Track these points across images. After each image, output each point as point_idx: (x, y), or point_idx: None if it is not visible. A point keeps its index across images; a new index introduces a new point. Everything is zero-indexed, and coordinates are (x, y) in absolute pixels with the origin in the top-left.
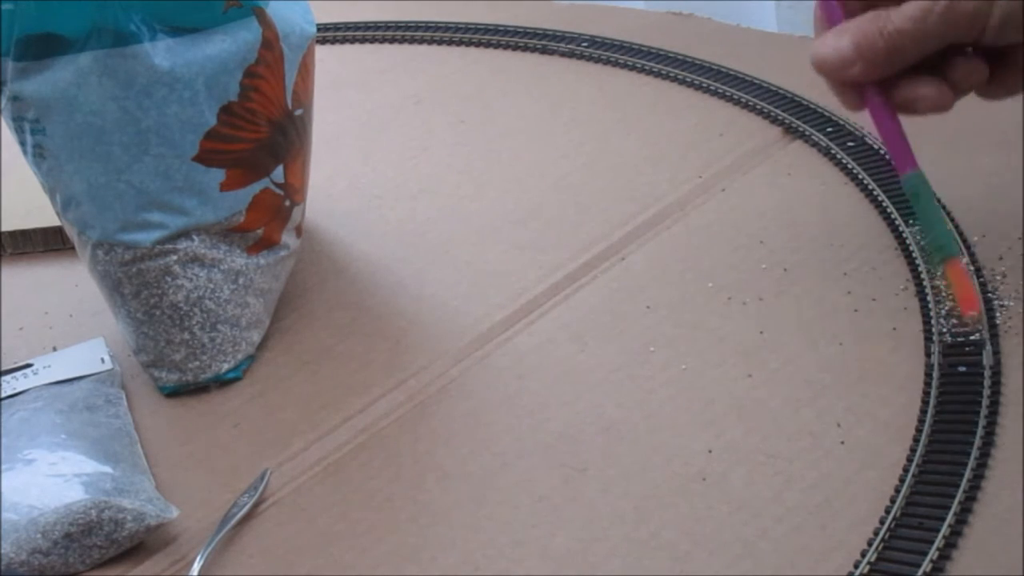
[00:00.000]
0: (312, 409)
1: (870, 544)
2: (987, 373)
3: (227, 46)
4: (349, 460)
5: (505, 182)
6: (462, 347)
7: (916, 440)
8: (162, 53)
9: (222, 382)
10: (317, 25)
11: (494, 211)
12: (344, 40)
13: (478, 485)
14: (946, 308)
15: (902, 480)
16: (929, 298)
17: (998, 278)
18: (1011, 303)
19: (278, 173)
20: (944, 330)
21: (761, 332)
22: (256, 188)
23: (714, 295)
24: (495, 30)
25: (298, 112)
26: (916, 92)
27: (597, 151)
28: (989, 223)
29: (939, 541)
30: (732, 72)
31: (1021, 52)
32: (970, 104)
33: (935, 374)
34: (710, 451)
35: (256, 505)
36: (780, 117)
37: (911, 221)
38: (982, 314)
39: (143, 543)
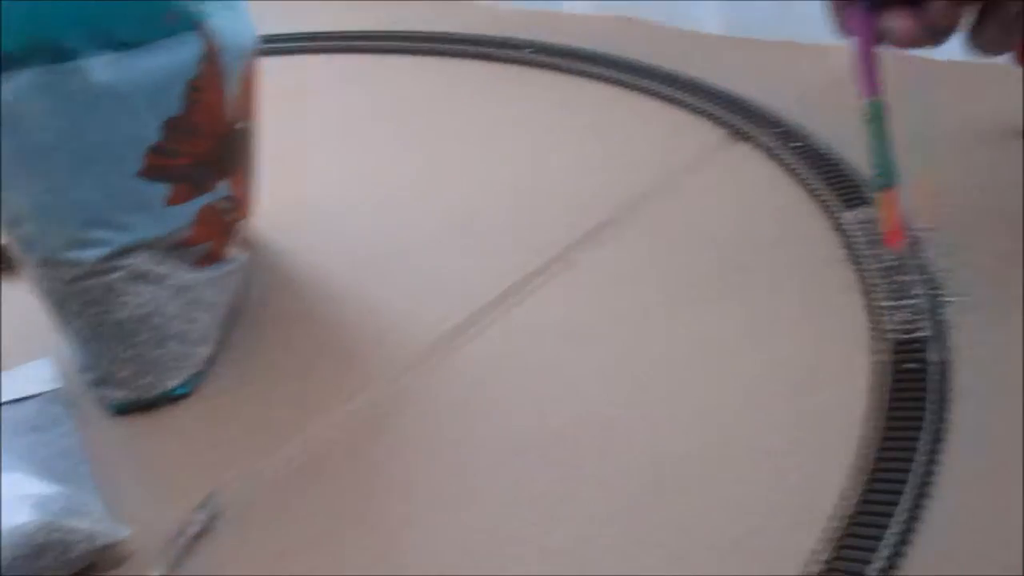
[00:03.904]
0: (264, 423)
1: (824, 543)
2: (935, 369)
3: (169, 60)
4: (303, 474)
5: (455, 189)
6: (414, 356)
7: (867, 438)
8: (103, 69)
9: (171, 399)
10: (263, 36)
11: (445, 218)
12: (291, 51)
13: (430, 497)
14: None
15: (854, 478)
16: (876, 295)
17: (944, 274)
18: (957, 299)
19: (223, 187)
20: (891, 328)
21: (712, 334)
22: (201, 202)
23: (664, 298)
24: (442, 38)
25: (242, 125)
26: (890, 22)
27: (546, 157)
28: (938, 219)
29: (890, 539)
30: (678, 76)
31: (1006, 6)
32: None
33: (884, 371)
34: (663, 456)
35: (208, 522)
36: (725, 119)
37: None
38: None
39: (94, 564)
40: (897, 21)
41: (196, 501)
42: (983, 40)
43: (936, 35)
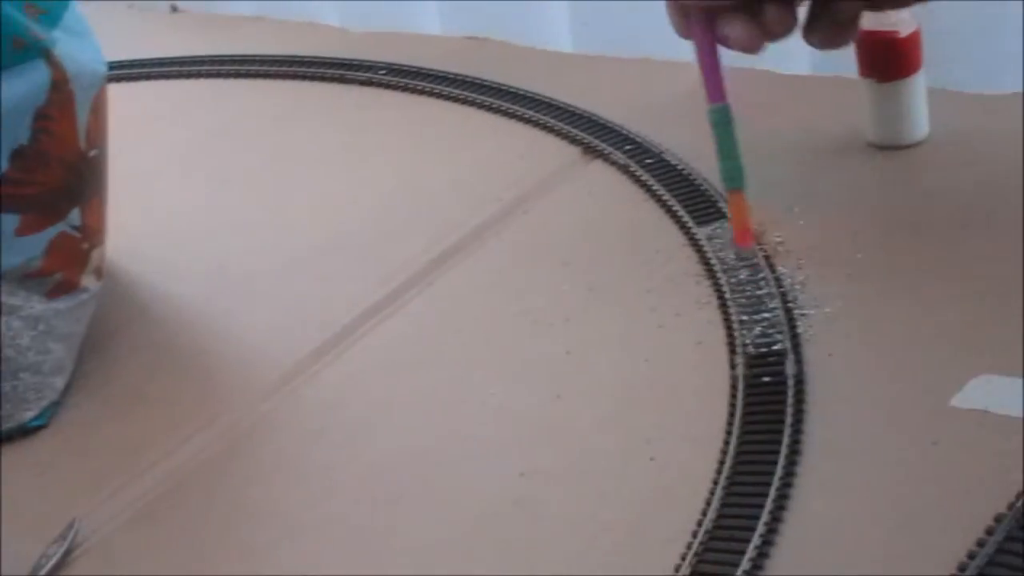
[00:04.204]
0: (121, 453)
1: (683, 559)
2: (791, 382)
3: (15, 89)
4: (161, 503)
5: (309, 213)
6: (272, 382)
7: (724, 452)
8: None
9: (27, 430)
10: (111, 63)
11: (299, 243)
12: (140, 77)
13: (292, 521)
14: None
15: (712, 493)
16: (731, 310)
17: (797, 287)
18: (811, 312)
19: (75, 216)
20: (747, 342)
21: (568, 352)
22: (52, 232)
23: (520, 318)
24: (292, 61)
25: (92, 153)
26: (727, 30)
27: (399, 178)
28: (789, 233)
29: (751, 552)
30: (530, 94)
31: (839, 3)
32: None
33: (740, 385)
34: (522, 474)
35: (66, 555)
36: (579, 137)
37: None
38: (755, 247)
39: None
40: (734, 27)
41: (53, 534)
42: (817, 38)
43: (773, 37)
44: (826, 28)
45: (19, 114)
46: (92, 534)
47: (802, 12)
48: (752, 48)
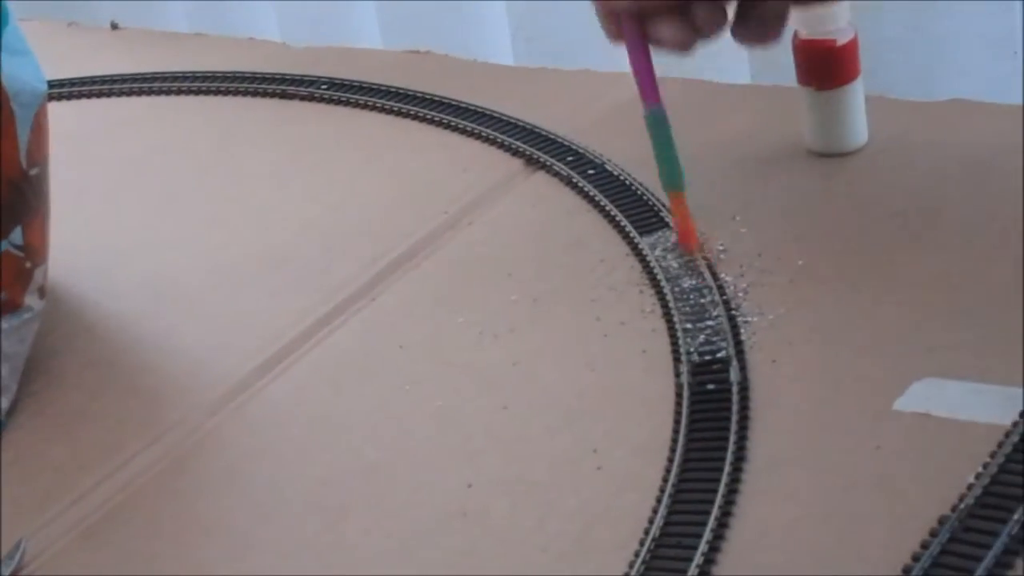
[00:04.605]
0: (68, 472)
1: (631, 566)
2: (735, 389)
3: None
4: (109, 521)
5: (253, 229)
6: (217, 398)
7: (671, 460)
8: None
9: None
10: (51, 81)
11: (243, 259)
12: (81, 95)
13: (241, 537)
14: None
15: (659, 500)
16: (675, 318)
17: (740, 295)
18: (754, 319)
19: (17, 235)
20: (691, 350)
21: (514, 363)
22: None
23: (466, 329)
24: (233, 77)
25: (34, 171)
26: (660, 32)
27: (343, 193)
28: (731, 241)
29: (698, 559)
30: (472, 107)
31: (767, 2)
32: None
33: (685, 393)
34: (470, 485)
35: (16, 573)
36: (521, 149)
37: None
38: (700, 248)
39: None
40: (666, 27)
41: (3, 553)
42: (745, 34)
43: (704, 36)
44: (755, 25)
45: None
46: (40, 553)
47: (731, 10)
48: (685, 47)
